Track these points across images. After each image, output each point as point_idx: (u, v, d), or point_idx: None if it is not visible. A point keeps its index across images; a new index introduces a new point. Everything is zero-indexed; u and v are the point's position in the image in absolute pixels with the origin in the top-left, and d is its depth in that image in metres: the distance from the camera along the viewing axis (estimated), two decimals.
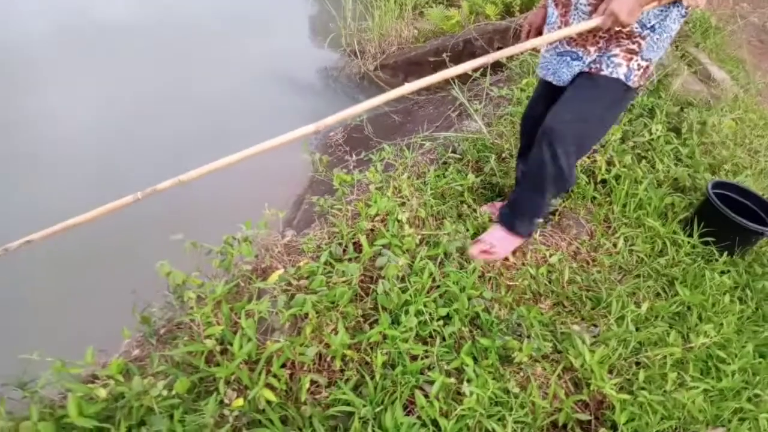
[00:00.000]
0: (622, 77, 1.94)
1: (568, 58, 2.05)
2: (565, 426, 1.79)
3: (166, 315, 1.84)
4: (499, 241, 2.25)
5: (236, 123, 4.34)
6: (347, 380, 1.75)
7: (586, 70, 2.00)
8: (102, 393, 1.49)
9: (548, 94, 2.22)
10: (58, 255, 2.36)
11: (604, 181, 2.77)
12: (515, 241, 2.29)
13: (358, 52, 5.31)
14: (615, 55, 1.93)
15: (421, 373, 1.79)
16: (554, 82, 2.14)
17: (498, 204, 2.55)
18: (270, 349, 1.72)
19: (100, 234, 2.78)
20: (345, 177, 2.40)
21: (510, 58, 3.93)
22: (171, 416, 1.54)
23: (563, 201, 2.67)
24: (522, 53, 3.97)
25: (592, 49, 1.98)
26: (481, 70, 3.81)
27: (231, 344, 1.73)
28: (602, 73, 1.97)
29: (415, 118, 4.17)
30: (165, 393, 1.53)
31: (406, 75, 5.22)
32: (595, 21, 1.80)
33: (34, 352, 1.59)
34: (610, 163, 2.79)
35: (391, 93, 1.86)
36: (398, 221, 2.22)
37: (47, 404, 1.54)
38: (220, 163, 1.79)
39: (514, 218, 2.24)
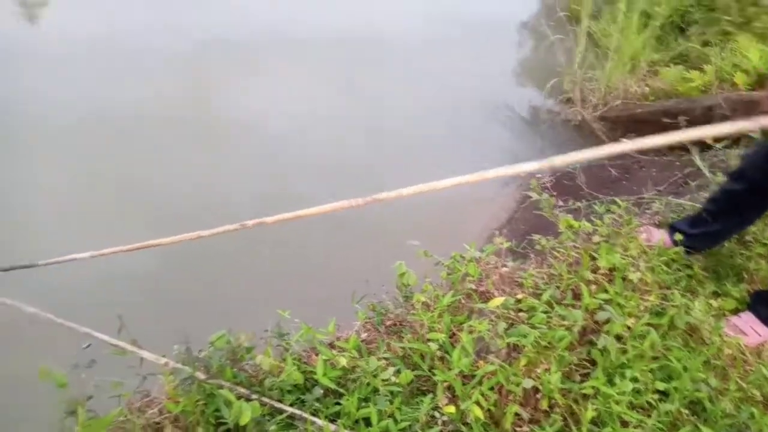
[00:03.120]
0: None
1: None
2: None
3: (397, 309, 2.02)
4: (749, 329, 2.08)
5: (435, 149, 4.55)
6: (552, 423, 1.75)
7: None
8: (343, 361, 1.69)
9: None
10: (314, 236, 2.76)
11: None
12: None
13: (579, 100, 5.24)
14: None
15: None
16: None
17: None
18: (484, 369, 1.79)
19: (349, 223, 3.15)
20: (572, 222, 2.40)
21: None
22: (390, 401, 1.69)
23: None
24: None
25: None
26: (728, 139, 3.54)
27: (448, 353, 1.84)
28: None
29: (634, 176, 3.99)
30: (392, 379, 1.68)
31: (626, 131, 5.00)
32: None
33: (287, 311, 1.87)
34: None
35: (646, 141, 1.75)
36: (624, 279, 2.16)
37: (296, 356, 1.79)
38: (437, 185, 1.86)
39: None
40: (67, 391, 1.55)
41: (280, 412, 1.57)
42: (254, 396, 1.58)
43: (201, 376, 1.57)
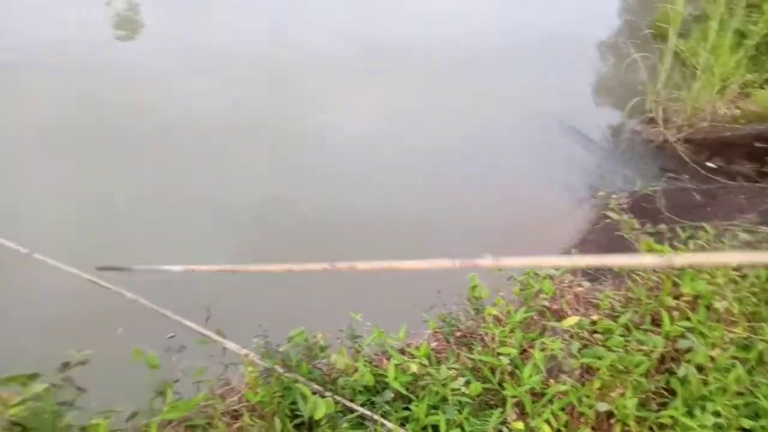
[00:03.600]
0: None
1: None
2: None
3: (467, 321, 2.03)
4: None
5: (505, 165, 4.51)
6: None
7: None
8: (413, 368, 1.72)
9: None
10: (388, 244, 2.91)
11: None
12: None
13: (662, 121, 5.04)
14: None
15: None
16: None
17: None
18: (556, 388, 1.76)
19: (422, 235, 3.20)
20: (654, 245, 2.31)
21: None
22: (459, 411, 1.70)
23: None
24: None
25: None
26: None
27: (519, 369, 1.83)
28: None
29: (720, 202, 3.79)
30: (462, 389, 1.69)
31: (712, 155, 4.76)
32: None
33: (359, 314, 1.93)
34: None
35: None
36: (708, 308, 2.06)
37: (367, 359, 1.84)
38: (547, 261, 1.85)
39: None
40: (154, 374, 1.67)
41: (352, 411, 1.62)
42: (327, 393, 1.64)
43: (279, 369, 1.65)
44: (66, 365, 1.58)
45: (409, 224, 3.55)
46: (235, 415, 1.68)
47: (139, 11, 6.59)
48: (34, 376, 1.57)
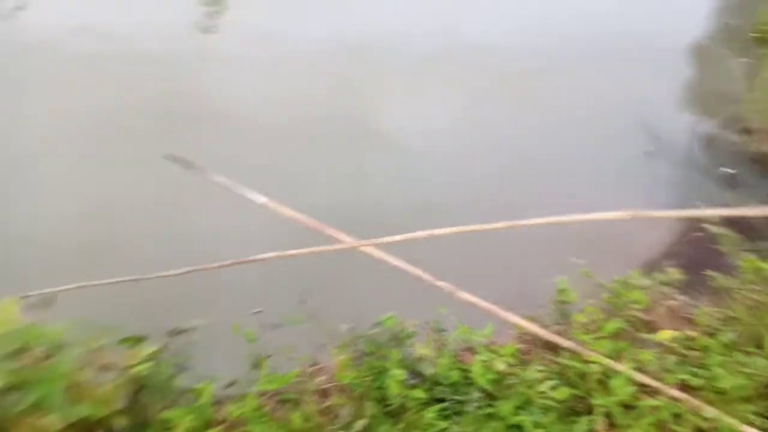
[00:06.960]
0: None
1: None
2: None
3: (553, 326, 2.00)
4: None
5: (597, 172, 4.35)
6: None
7: None
8: (500, 366, 1.72)
9: None
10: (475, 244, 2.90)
11: None
12: None
13: (761, 131, 4.72)
14: None
15: None
16: None
17: None
18: (647, 402, 1.71)
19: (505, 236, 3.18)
20: (758, 264, 2.19)
21: None
22: (544, 414, 1.68)
23: None
24: None
25: None
26: None
27: (608, 377, 1.78)
28: None
29: None
30: (549, 393, 1.67)
31: None
32: None
33: (443, 309, 1.94)
34: None
35: None
36: None
37: (451, 353, 1.85)
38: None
39: None
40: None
41: (439, 400, 1.64)
42: (416, 381, 1.66)
43: (368, 353, 1.69)
44: (176, 331, 1.68)
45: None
46: (324, 394, 1.73)
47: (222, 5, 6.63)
48: (142, 338, 1.69)
